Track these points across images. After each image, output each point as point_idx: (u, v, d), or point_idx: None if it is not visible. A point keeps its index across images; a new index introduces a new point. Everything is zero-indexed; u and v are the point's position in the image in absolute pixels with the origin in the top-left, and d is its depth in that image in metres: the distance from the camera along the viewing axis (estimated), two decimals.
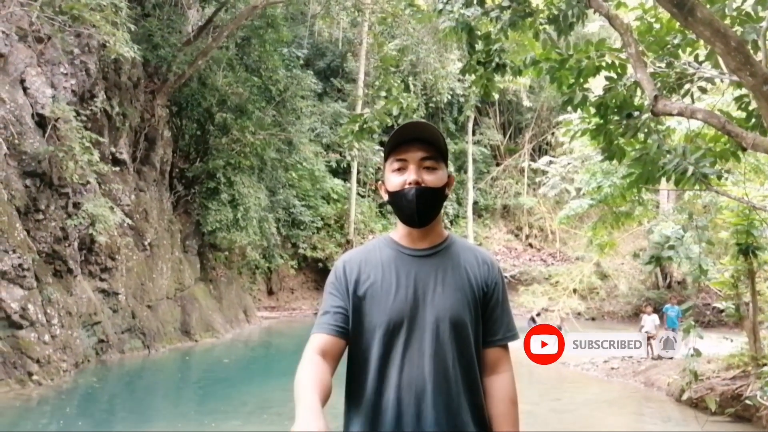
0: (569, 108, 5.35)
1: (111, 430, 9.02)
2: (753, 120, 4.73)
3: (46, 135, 11.22)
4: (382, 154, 2.00)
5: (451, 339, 1.82)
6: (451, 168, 33.06)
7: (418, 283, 1.87)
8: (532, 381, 12.05)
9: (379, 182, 2.01)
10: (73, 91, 12.03)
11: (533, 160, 29.59)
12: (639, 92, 4.98)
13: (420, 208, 1.86)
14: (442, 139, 1.92)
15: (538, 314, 17.89)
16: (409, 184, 1.86)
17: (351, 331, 1.88)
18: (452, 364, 1.81)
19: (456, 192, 29.64)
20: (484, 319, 1.93)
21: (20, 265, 10.40)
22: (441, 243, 1.95)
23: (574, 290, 22.35)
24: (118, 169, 13.91)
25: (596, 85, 5.42)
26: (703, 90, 5.37)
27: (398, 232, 1.98)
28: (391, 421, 1.79)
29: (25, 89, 11.28)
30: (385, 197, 1.97)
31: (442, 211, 2.02)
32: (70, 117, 11.17)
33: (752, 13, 4.41)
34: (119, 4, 11.22)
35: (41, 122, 11.30)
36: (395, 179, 1.89)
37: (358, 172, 27.27)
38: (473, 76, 6.12)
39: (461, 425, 1.81)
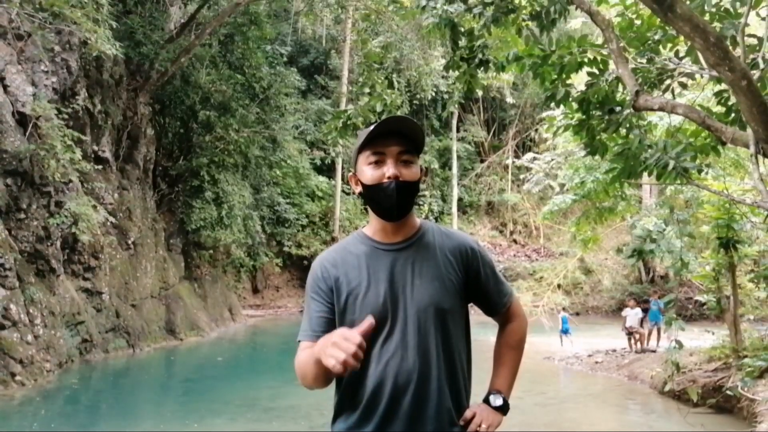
0: (552, 104, 5.38)
1: (94, 430, 8.95)
2: (732, 115, 4.78)
3: (27, 133, 11.09)
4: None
5: (434, 328, 1.84)
6: (435, 164, 32.69)
7: (396, 277, 1.87)
8: (518, 375, 12.08)
9: (350, 174, 2.00)
10: (54, 88, 11.91)
11: (517, 156, 29.76)
12: (621, 88, 5.02)
13: (400, 202, 1.86)
14: (422, 133, 1.91)
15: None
16: (388, 178, 1.84)
17: None
18: (436, 352, 1.83)
19: (441, 188, 29.71)
20: (480, 297, 2.01)
21: (2, 264, 10.29)
22: (415, 234, 1.95)
23: (559, 285, 22.54)
24: (100, 167, 13.79)
25: (578, 81, 5.47)
26: (684, 85, 5.43)
27: (371, 227, 1.98)
28: (380, 415, 1.81)
29: (5, 87, 11.14)
30: (357, 189, 1.96)
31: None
32: (51, 115, 11.07)
33: (731, 9, 4.47)
34: (100, 0, 11.12)
35: (22, 120, 11.17)
36: (372, 172, 1.87)
37: (343, 169, 27.23)
38: (457, 73, 6.14)
39: (444, 410, 1.83)
